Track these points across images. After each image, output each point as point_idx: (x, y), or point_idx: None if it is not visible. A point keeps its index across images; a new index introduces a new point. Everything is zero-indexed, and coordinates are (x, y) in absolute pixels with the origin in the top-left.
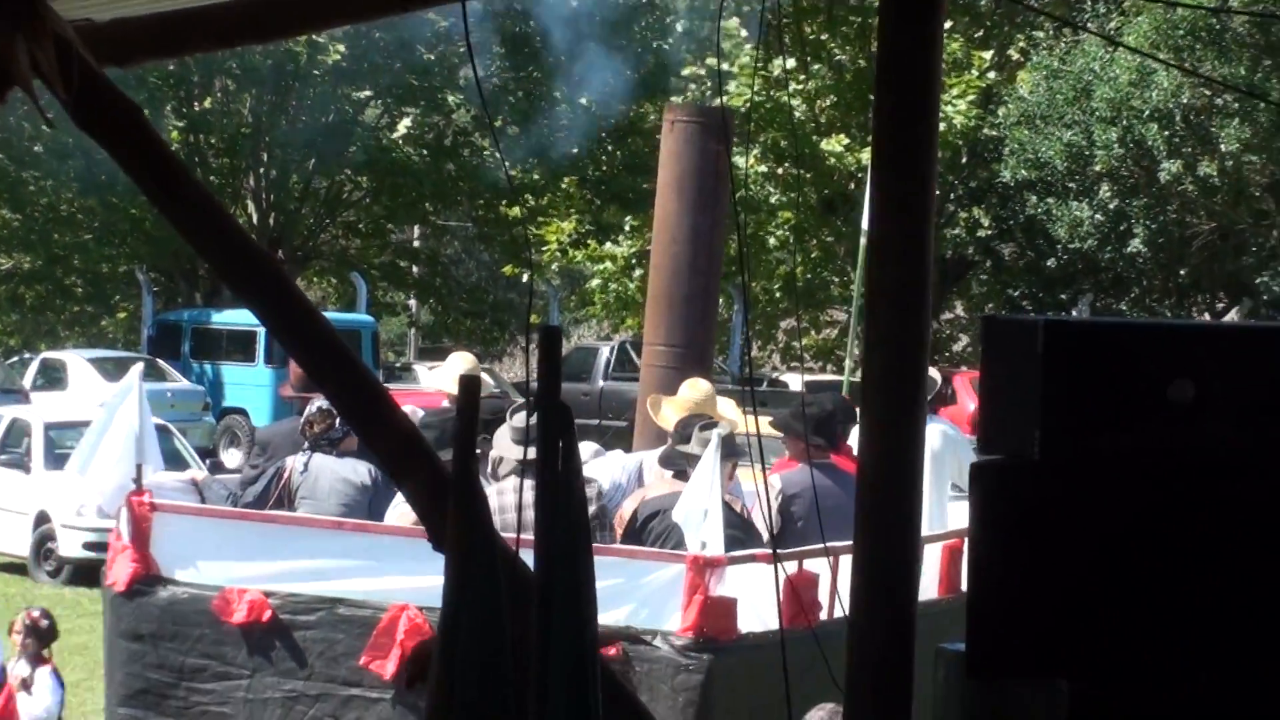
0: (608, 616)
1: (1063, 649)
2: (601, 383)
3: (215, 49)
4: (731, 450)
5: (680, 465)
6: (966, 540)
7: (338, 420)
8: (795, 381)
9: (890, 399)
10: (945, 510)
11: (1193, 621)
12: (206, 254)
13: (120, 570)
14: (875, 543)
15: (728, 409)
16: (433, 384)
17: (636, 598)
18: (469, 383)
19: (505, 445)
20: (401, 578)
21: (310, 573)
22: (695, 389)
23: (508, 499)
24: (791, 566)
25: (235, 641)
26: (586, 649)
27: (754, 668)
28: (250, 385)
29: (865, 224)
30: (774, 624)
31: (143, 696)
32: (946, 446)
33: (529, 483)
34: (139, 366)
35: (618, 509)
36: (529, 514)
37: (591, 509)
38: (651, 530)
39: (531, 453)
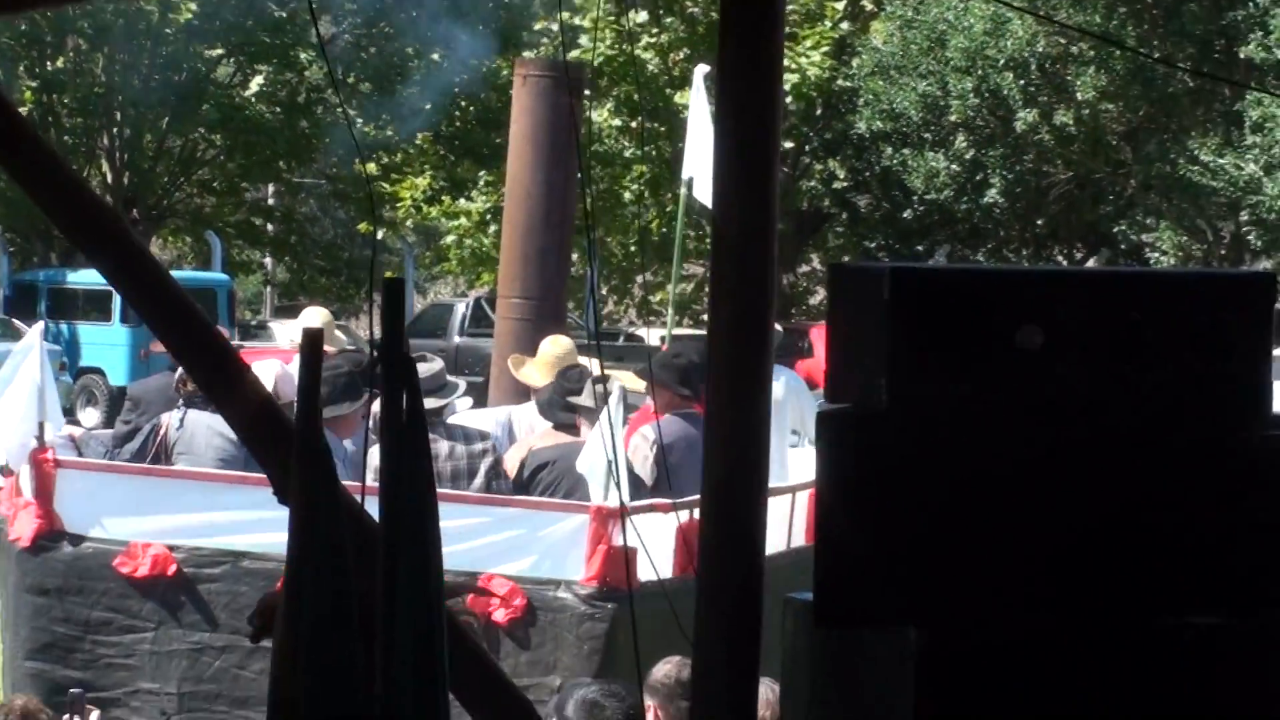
0: (510, 568)
1: (910, 596)
2: (457, 339)
3: (49, 7)
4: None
5: (561, 418)
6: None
7: None
8: (652, 335)
9: (736, 351)
10: (786, 457)
11: (1040, 566)
12: (48, 210)
13: (24, 526)
14: (722, 494)
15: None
16: (289, 341)
17: (538, 549)
18: (312, 335)
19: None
20: None
21: (214, 527)
22: (557, 345)
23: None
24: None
25: (140, 595)
26: (433, 600)
27: (656, 615)
28: (107, 345)
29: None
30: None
31: (49, 650)
32: (788, 395)
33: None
34: (39, 325)
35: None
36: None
37: (488, 461)
38: (540, 481)
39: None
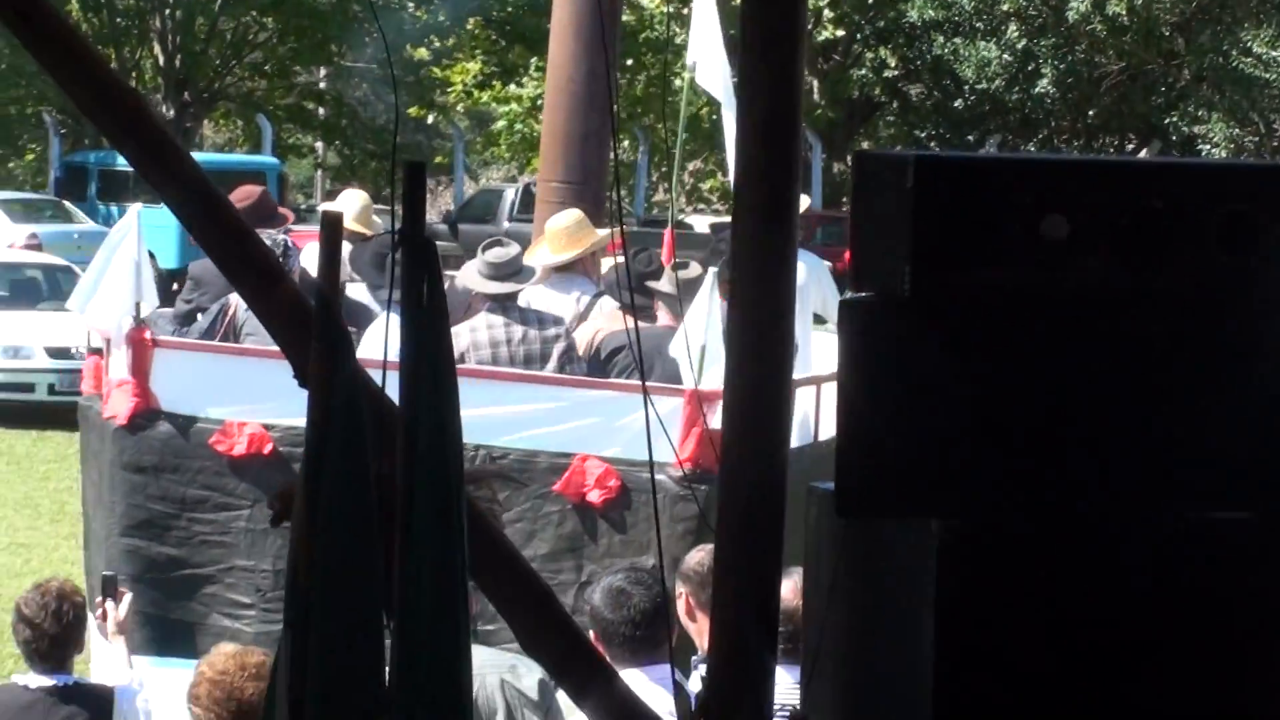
0: (606, 450)
1: (932, 488)
2: (507, 224)
3: None
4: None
5: (638, 301)
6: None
7: (283, 254)
8: (700, 223)
9: (760, 234)
10: (809, 342)
11: (1063, 460)
12: (69, 90)
13: (119, 404)
14: (745, 383)
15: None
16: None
17: (625, 434)
18: (331, 219)
19: (474, 279)
20: None
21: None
22: (567, 216)
23: (480, 335)
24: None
25: (236, 474)
26: (452, 485)
27: None
28: (157, 227)
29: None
30: None
31: (146, 527)
32: (810, 277)
33: (395, 318)
34: (137, 206)
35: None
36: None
37: (561, 345)
38: (616, 364)
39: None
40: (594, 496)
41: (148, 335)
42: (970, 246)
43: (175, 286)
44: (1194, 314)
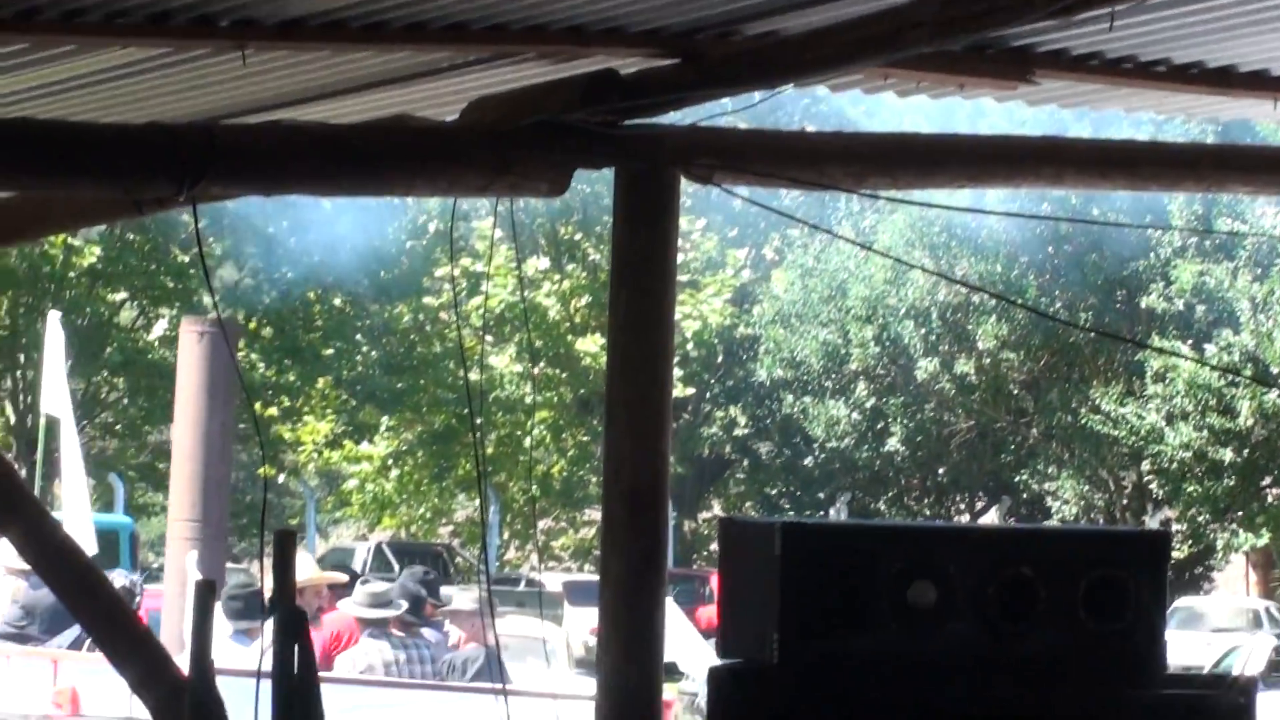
0: None
1: None
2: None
3: None
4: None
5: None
6: None
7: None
8: (553, 580)
9: (631, 597)
10: None
11: None
12: None
13: None
14: None
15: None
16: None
17: None
18: (203, 588)
19: (354, 609)
20: None
21: None
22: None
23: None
24: None
25: None
26: None
27: None
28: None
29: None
30: None
31: None
32: None
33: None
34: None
35: None
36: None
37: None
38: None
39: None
40: None
41: None
42: (838, 613)
43: None
44: (1062, 680)
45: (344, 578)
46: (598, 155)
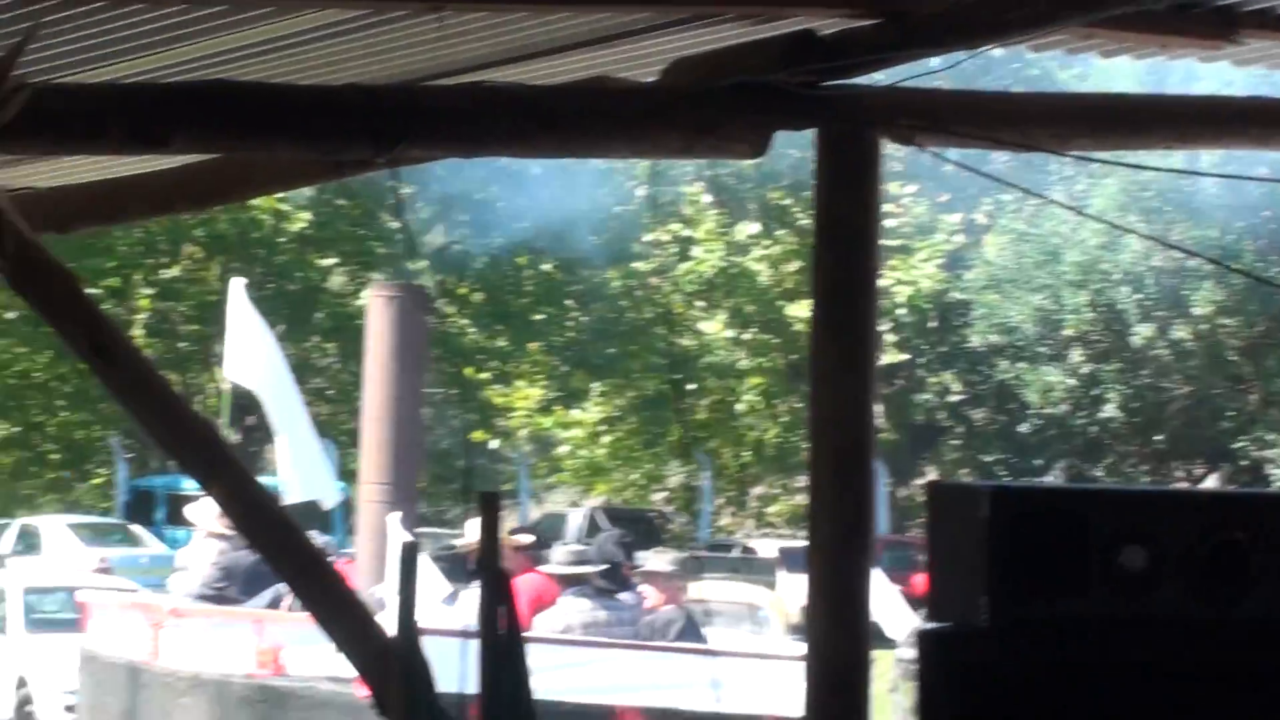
0: None
1: None
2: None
3: (151, 217)
4: None
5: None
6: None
7: None
8: (767, 547)
9: (837, 561)
10: None
11: None
12: (140, 417)
13: None
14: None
15: None
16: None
17: None
18: (408, 549)
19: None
20: None
21: None
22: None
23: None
24: None
25: None
26: None
27: None
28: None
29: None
30: None
31: None
32: None
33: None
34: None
35: None
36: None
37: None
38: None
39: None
40: None
41: None
42: (1046, 577)
43: None
44: (1275, 645)
45: (529, 539)
46: (797, 116)
